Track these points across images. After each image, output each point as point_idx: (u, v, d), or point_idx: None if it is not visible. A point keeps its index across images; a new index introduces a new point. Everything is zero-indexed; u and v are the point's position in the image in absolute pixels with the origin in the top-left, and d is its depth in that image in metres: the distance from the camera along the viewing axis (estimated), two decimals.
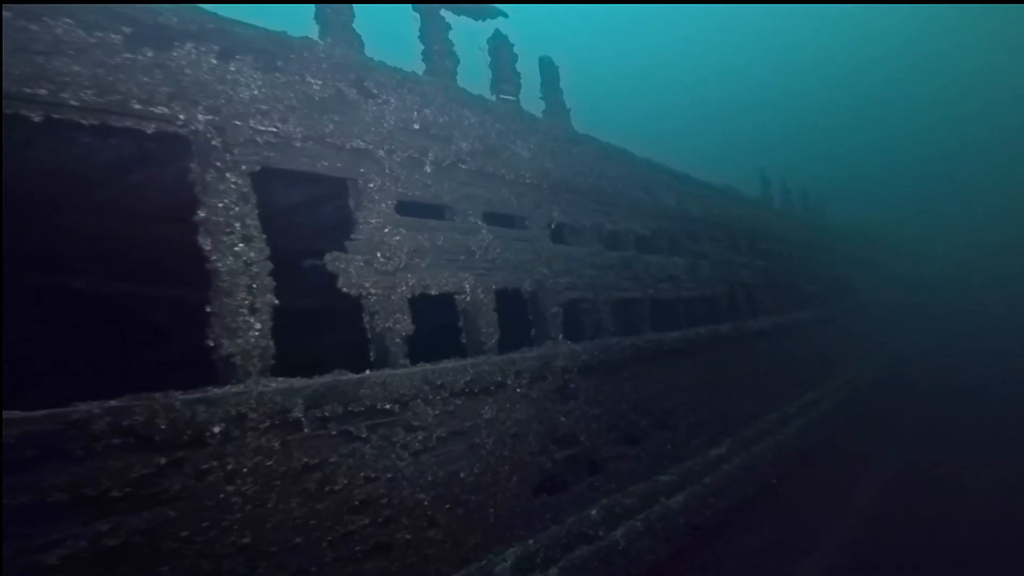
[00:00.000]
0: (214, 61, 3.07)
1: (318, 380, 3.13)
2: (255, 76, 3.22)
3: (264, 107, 3.24)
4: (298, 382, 3.04)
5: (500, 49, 5.96)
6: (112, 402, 2.38)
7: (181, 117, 2.89)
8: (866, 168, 52.64)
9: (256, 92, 3.21)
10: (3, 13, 2.45)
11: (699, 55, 69.15)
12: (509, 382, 4.50)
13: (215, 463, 2.67)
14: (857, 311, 15.55)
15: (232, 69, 3.15)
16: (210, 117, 3.01)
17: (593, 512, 4.94)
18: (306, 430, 3.04)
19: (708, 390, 7.32)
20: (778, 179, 14.05)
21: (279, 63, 3.39)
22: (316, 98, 3.54)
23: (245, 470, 2.76)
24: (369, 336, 3.79)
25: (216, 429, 2.63)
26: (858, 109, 60.94)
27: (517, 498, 4.40)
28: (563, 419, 5.01)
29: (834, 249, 15.81)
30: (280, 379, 3.01)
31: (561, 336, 5.37)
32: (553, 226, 5.76)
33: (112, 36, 2.65)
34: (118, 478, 2.36)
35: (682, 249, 7.92)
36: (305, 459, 3.02)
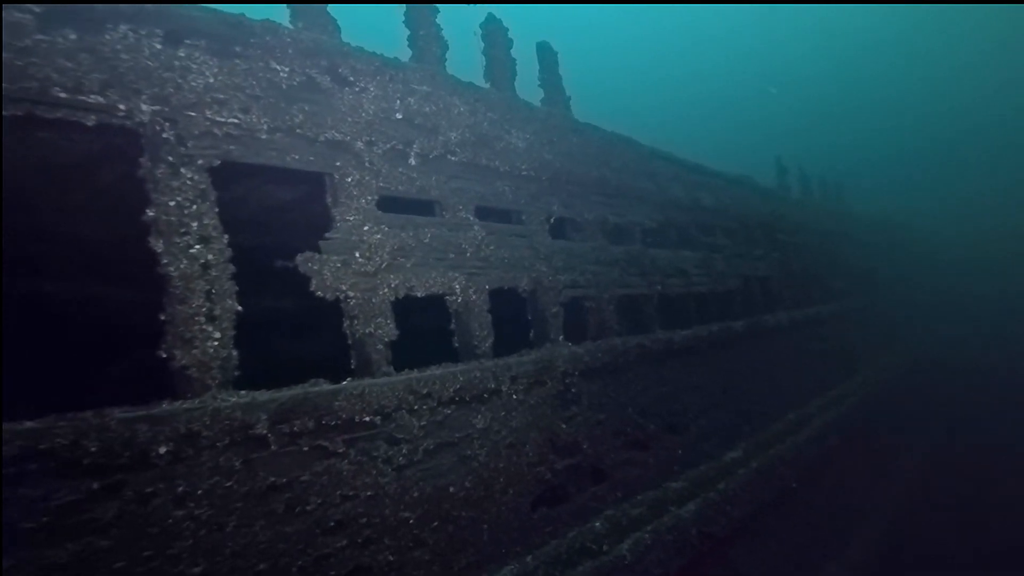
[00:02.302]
0: (158, 46, 2.80)
1: (285, 393, 2.88)
2: (210, 62, 2.96)
3: (222, 96, 2.98)
4: (262, 395, 2.79)
5: (494, 34, 5.64)
6: (28, 423, 2.15)
7: (122, 107, 2.63)
8: (880, 156, 52.17)
9: (212, 80, 2.94)
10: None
11: (709, 44, 68.22)
12: (504, 388, 4.21)
13: (162, 486, 2.43)
14: (879, 301, 14.96)
15: (181, 55, 2.88)
16: (158, 107, 2.74)
17: (597, 524, 4.65)
18: (273, 447, 2.79)
19: (722, 390, 6.96)
20: (795, 167, 13.53)
21: (238, 48, 3.13)
22: (283, 86, 3.27)
23: (199, 492, 2.53)
24: (349, 342, 3.53)
25: (163, 449, 2.39)
26: (871, 98, 60.40)
27: (514, 512, 4.12)
28: (564, 426, 4.71)
29: (855, 238, 15.22)
30: (243, 392, 2.77)
31: (562, 337, 5.07)
32: (552, 220, 5.45)
33: (16, 15, 2.39)
34: (32, 507, 2.13)
35: (693, 242, 7.54)
36: (272, 478, 2.78)
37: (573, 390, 4.87)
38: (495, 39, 5.63)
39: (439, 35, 4.73)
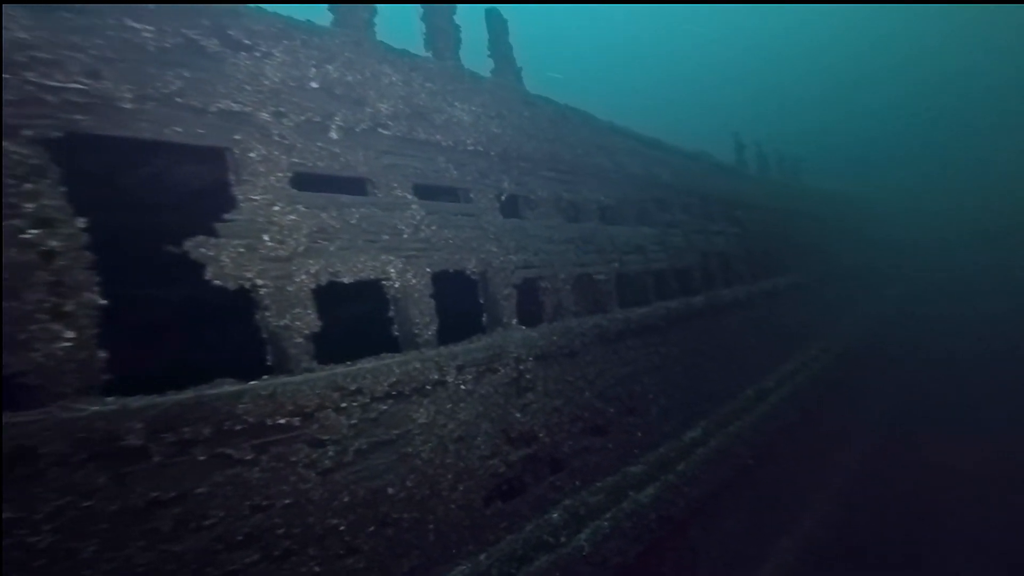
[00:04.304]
0: None
1: (170, 398, 2.50)
2: (17, 15, 2.45)
3: (48, 56, 2.50)
4: (136, 402, 2.41)
5: None
6: None
7: None
8: (845, 139, 53.92)
9: (25, 36, 2.45)
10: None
11: (674, 26, 68.28)
12: (450, 379, 3.92)
13: None
14: (837, 276, 15.32)
15: None
16: None
17: (555, 515, 4.46)
18: (156, 458, 2.43)
19: (681, 369, 6.86)
20: (752, 144, 13.58)
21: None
22: (150, 48, 2.79)
23: (39, 516, 2.16)
24: (264, 336, 3.15)
25: None
26: (835, 83, 62.17)
27: (464, 509, 3.87)
28: (518, 415, 4.47)
29: (812, 214, 15.48)
30: (110, 399, 2.38)
31: (516, 320, 4.80)
32: (503, 198, 5.13)
33: None
34: None
35: (651, 218, 7.36)
36: (154, 493, 2.43)
37: (527, 376, 4.62)
38: (435, 5, 5.19)
39: None
